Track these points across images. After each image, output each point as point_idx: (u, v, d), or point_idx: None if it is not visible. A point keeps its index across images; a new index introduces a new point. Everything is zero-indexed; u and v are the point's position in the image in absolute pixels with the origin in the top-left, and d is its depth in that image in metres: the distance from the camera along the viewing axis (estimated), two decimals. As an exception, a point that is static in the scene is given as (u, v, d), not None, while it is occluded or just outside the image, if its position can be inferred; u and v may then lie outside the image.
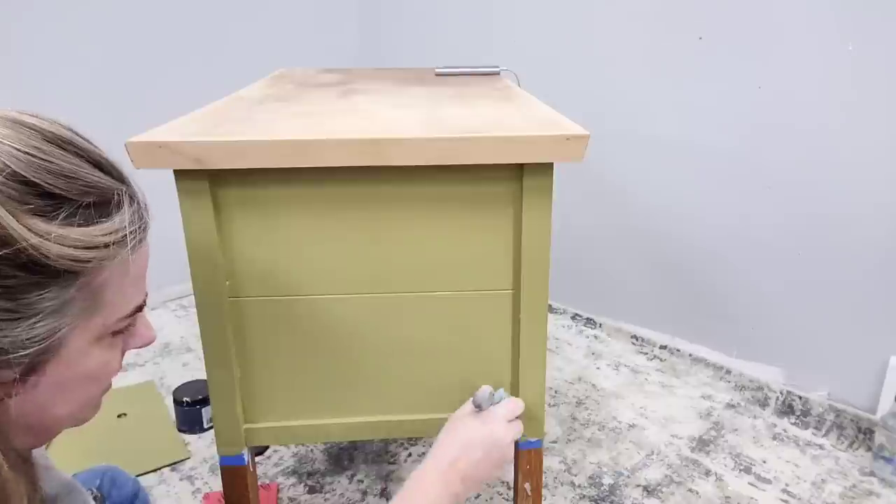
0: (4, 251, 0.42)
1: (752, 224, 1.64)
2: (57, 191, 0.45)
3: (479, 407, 0.82)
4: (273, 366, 0.88)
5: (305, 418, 0.91)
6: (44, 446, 0.57)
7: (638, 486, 1.38)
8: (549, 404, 1.67)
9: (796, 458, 1.46)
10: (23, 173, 0.44)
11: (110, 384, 0.56)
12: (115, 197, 0.49)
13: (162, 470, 1.42)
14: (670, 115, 1.73)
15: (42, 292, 0.44)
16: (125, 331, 0.54)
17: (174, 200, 0.77)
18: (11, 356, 0.44)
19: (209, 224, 0.80)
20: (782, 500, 1.34)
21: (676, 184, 1.76)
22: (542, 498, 1.14)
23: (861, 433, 1.50)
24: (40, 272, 0.44)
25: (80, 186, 0.47)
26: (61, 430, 0.53)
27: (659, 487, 1.37)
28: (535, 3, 1.94)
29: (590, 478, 1.41)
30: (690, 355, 1.83)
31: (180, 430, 1.54)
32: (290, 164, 0.76)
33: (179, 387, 1.58)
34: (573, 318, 2.09)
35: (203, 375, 1.45)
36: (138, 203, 0.52)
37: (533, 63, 1.73)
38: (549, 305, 1.40)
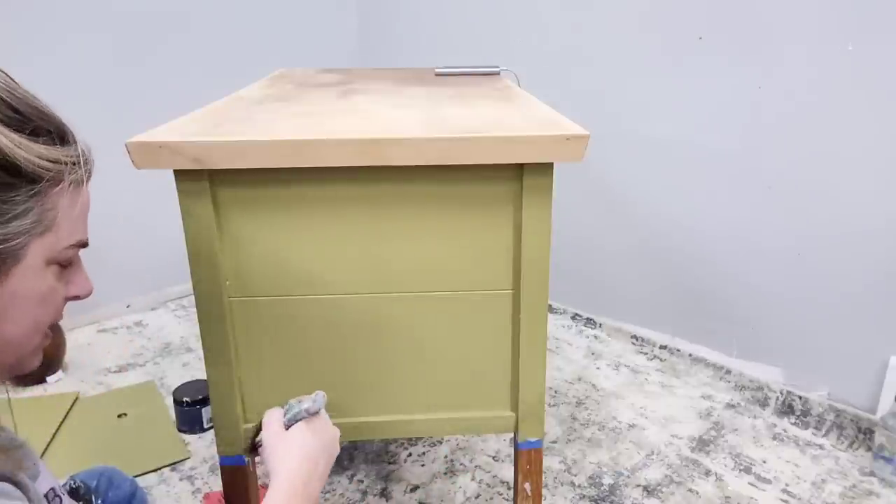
0: None
1: (752, 224, 1.64)
2: (26, 112, 0.52)
3: (308, 413, 0.79)
4: (273, 366, 0.88)
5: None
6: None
7: (638, 486, 1.38)
8: (549, 404, 1.67)
9: (796, 458, 1.46)
10: (4, 97, 0.51)
11: (57, 319, 0.60)
12: (69, 135, 0.56)
13: (162, 470, 1.42)
14: (670, 115, 1.73)
15: (10, 194, 0.50)
16: (67, 269, 0.58)
17: (174, 200, 0.77)
18: None
19: (209, 224, 0.80)
20: (782, 500, 1.34)
21: (676, 184, 1.76)
22: (542, 498, 1.14)
23: (861, 433, 1.50)
24: (11, 174, 0.50)
25: (43, 115, 0.54)
26: (6, 360, 0.56)
27: (659, 487, 1.37)
28: (535, 3, 1.94)
29: (590, 478, 1.41)
30: (690, 355, 1.83)
31: (180, 430, 1.54)
32: (290, 164, 0.76)
33: (179, 387, 1.58)
34: (573, 318, 2.09)
35: (203, 375, 1.45)
36: (86, 150, 0.58)
37: (533, 63, 1.73)
38: (549, 305, 1.40)
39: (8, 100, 0.51)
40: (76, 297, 0.61)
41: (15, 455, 0.60)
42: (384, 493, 1.36)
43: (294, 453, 0.75)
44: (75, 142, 0.57)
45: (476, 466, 1.44)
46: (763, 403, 1.65)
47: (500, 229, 0.84)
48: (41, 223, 0.53)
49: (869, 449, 1.47)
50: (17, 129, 0.51)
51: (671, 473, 1.42)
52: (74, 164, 0.55)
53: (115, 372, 1.80)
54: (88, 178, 0.58)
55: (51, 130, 0.54)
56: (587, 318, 2.07)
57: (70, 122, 0.58)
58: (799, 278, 1.59)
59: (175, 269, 2.11)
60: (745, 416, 1.62)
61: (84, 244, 0.59)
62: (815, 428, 1.56)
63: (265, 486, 1.37)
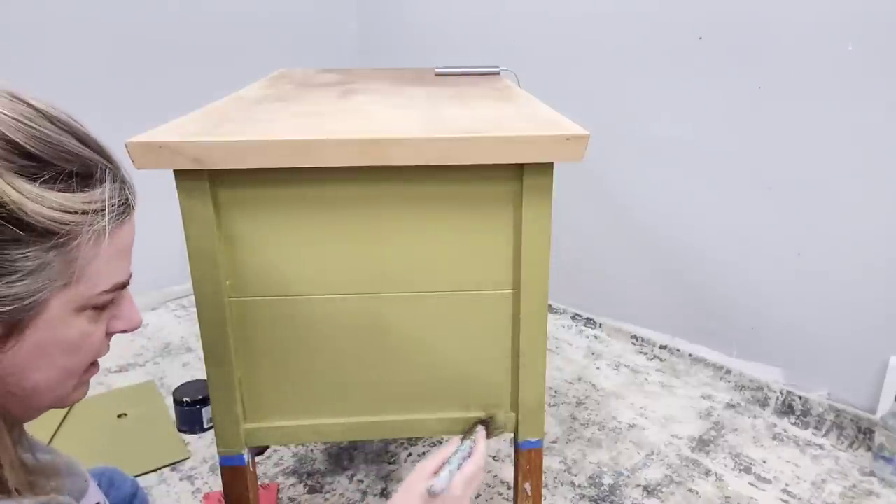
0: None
1: (752, 224, 1.64)
2: (41, 154, 0.48)
3: (434, 494, 0.77)
4: (273, 366, 0.88)
5: (305, 418, 0.91)
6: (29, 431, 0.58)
7: (638, 486, 1.38)
8: (549, 404, 1.67)
9: (796, 458, 1.46)
10: (10, 136, 0.46)
11: (96, 364, 0.57)
12: (98, 171, 0.51)
13: (162, 470, 1.42)
14: (670, 115, 1.73)
15: (22, 250, 0.47)
16: (108, 308, 0.55)
17: (174, 200, 0.77)
18: None
19: (209, 224, 0.80)
20: (782, 500, 1.34)
21: (676, 184, 1.76)
22: (542, 498, 1.14)
23: (861, 433, 1.50)
24: (20, 229, 0.46)
25: (63, 155, 0.49)
26: (43, 403, 0.54)
27: (659, 487, 1.37)
28: (535, 3, 1.94)
29: (590, 478, 1.41)
30: (690, 355, 1.83)
31: (180, 430, 1.54)
32: (290, 164, 0.76)
33: (179, 387, 1.58)
34: (573, 318, 2.09)
35: (203, 375, 1.45)
36: (122, 181, 0.54)
37: (533, 63, 1.73)
38: (549, 305, 1.40)
39: (23, 143, 0.47)
40: (123, 331, 0.58)
41: (74, 477, 0.60)
42: (384, 493, 1.35)
43: None
44: (106, 179, 0.52)
45: (476, 466, 1.44)
46: (763, 403, 1.65)
47: (500, 229, 0.84)
48: (62, 276, 0.49)
49: (869, 449, 1.47)
50: (31, 178, 0.47)
51: (671, 473, 1.42)
52: (98, 211, 0.50)
53: (115, 372, 1.80)
54: (131, 211, 0.54)
55: (73, 172, 0.49)
56: (587, 318, 2.07)
57: (106, 150, 0.53)
58: (799, 278, 1.59)
59: (175, 269, 2.11)
60: (745, 416, 1.62)
61: (124, 285, 0.55)
62: (815, 428, 1.56)
63: (265, 486, 1.38)
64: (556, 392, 1.73)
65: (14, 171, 0.46)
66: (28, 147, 0.47)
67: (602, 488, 1.37)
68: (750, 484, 1.38)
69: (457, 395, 0.92)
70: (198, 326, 0.85)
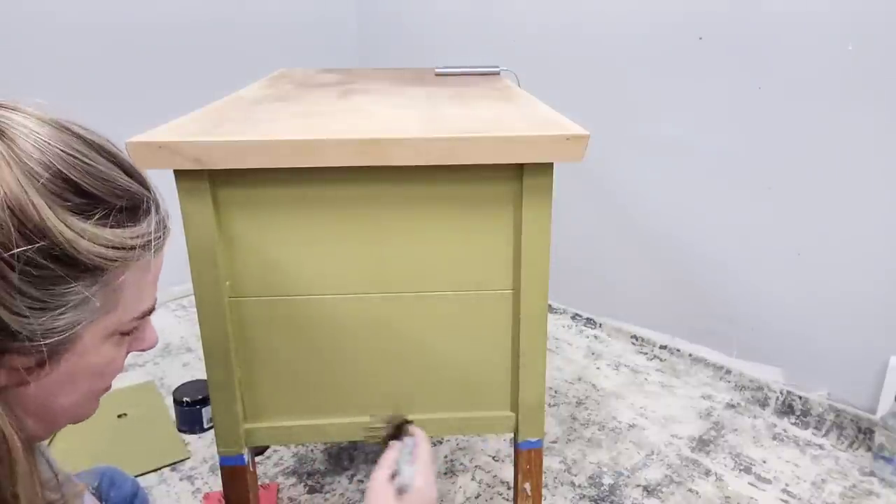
0: (41, 243, 0.45)
1: (752, 224, 1.64)
2: (94, 192, 0.48)
3: (404, 491, 0.76)
4: (273, 366, 0.88)
5: (305, 418, 0.91)
6: (46, 441, 0.58)
7: (638, 486, 1.38)
8: (549, 404, 1.67)
9: (796, 458, 1.46)
10: (66, 173, 0.47)
11: (111, 384, 0.59)
12: (144, 204, 0.52)
13: (162, 470, 1.42)
14: (670, 115, 1.73)
15: (69, 286, 0.47)
16: (132, 332, 0.56)
17: (174, 200, 0.77)
18: (32, 344, 0.47)
19: (209, 224, 0.80)
20: (782, 500, 1.34)
21: (676, 184, 1.76)
22: (542, 498, 1.14)
23: (861, 433, 1.50)
24: (70, 266, 0.47)
25: (114, 190, 0.49)
26: (63, 424, 0.55)
27: (659, 487, 1.37)
28: (535, 3, 1.94)
29: (590, 478, 1.41)
30: (690, 355, 1.83)
31: (180, 430, 1.54)
32: (290, 164, 0.76)
33: (179, 387, 1.58)
34: (573, 318, 2.09)
35: (203, 375, 1.45)
36: (162, 212, 0.55)
37: (533, 63, 1.73)
38: (549, 305, 1.40)
39: (77, 180, 0.47)
40: (141, 350, 0.60)
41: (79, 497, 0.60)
42: (384, 493, 1.35)
43: None
44: (150, 211, 0.53)
45: (476, 466, 1.44)
46: (763, 403, 1.65)
47: (500, 229, 0.84)
48: (101, 308, 0.50)
49: (869, 449, 1.47)
50: (85, 215, 0.47)
51: (671, 473, 1.42)
52: (143, 245, 0.51)
53: (115, 372, 1.79)
54: (166, 239, 0.55)
55: (123, 207, 0.50)
56: (587, 318, 2.07)
57: (147, 181, 0.54)
58: (799, 278, 1.58)
59: (175, 269, 2.10)
60: (745, 416, 1.62)
61: (151, 310, 0.57)
62: (815, 428, 1.56)
63: (265, 486, 1.38)
64: (556, 392, 1.73)
65: (68, 210, 0.46)
66: (83, 184, 0.47)
67: (602, 488, 1.37)
68: (750, 484, 1.38)
69: (457, 395, 0.92)
70: (198, 326, 0.85)
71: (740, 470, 1.42)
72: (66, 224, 0.46)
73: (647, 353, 1.91)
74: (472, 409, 0.94)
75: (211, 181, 0.78)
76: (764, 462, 1.45)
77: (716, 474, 1.41)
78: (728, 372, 1.74)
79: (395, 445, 0.80)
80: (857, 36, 1.39)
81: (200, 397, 1.52)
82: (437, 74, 1.48)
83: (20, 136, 0.46)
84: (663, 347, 1.89)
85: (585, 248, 2.02)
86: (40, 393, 0.50)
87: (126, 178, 0.51)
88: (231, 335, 0.85)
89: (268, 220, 0.82)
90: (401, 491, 0.74)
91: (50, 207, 0.45)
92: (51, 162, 0.46)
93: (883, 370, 1.48)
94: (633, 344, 1.95)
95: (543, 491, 1.34)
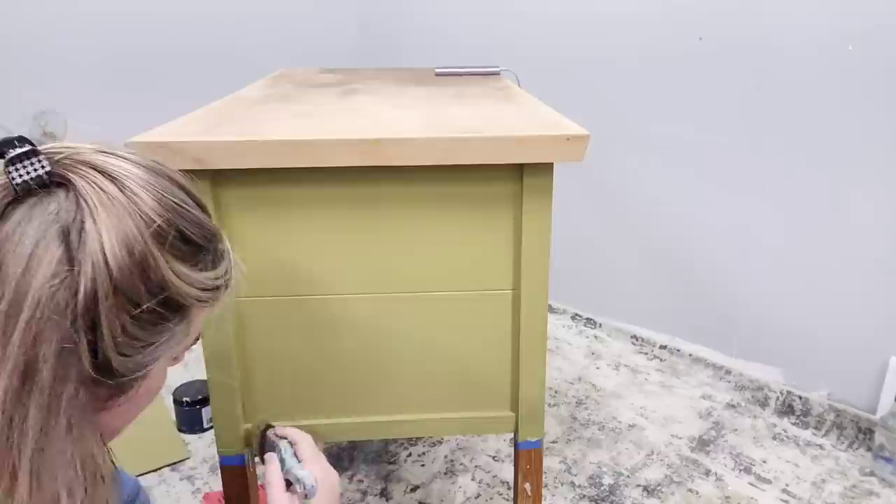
0: (162, 296, 0.48)
1: (752, 224, 1.64)
2: (196, 240, 0.51)
3: (312, 495, 0.75)
4: (273, 366, 0.88)
5: (306, 418, 0.91)
6: None
7: (638, 486, 1.38)
8: (549, 404, 1.67)
9: (796, 458, 1.46)
10: (178, 223, 0.49)
11: None
12: (223, 243, 0.56)
13: (162, 470, 1.42)
14: (670, 115, 1.73)
15: (166, 324, 0.50)
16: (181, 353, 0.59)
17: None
18: (124, 379, 0.49)
19: (209, 224, 0.80)
20: (782, 500, 1.34)
21: (676, 184, 1.76)
22: (542, 498, 1.14)
23: (861, 433, 1.50)
24: (173, 309, 0.50)
25: (206, 234, 0.53)
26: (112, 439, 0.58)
27: (659, 487, 1.37)
28: (535, 3, 1.94)
29: (590, 478, 1.41)
30: (690, 355, 1.83)
31: (180, 430, 1.54)
32: (290, 164, 0.76)
33: (179, 387, 1.58)
34: (573, 318, 2.09)
35: (203, 375, 1.45)
36: (229, 247, 0.58)
37: (533, 63, 1.73)
38: (549, 305, 1.40)
39: (184, 229, 0.50)
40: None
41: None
42: (384, 493, 1.35)
43: None
44: (227, 250, 0.56)
45: (476, 466, 1.44)
46: (763, 403, 1.65)
47: (500, 229, 0.84)
48: (180, 340, 0.53)
49: (869, 449, 1.47)
50: (191, 264, 0.50)
51: (671, 473, 1.42)
52: (225, 284, 0.55)
53: (115, 372, 1.79)
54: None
55: (212, 249, 0.53)
56: (587, 318, 2.07)
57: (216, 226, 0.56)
58: (799, 278, 1.58)
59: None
60: (745, 416, 1.62)
61: (199, 336, 0.59)
62: (815, 428, 1.56)
63: (265, 486, 1.37)
64: (556, 392, 1.73)
65: (178, 258, 0.49)
66: (188, 233, 0.50)
67: (602, 488, 1.37)
68: (750, 484, 1.38)
69: (457, 395, 0.92)
70: (198, 326, 0.85)
71: (740, 470, 1.42)
72: (177, 274, 0.49)
73: (647, 353, 1.91)
74: (472, 409, 0.94)
75: (211, 181, 0.78)
76: (764, 462, 1.45)
77: (716, 474, 1.41)
78: (728, 372, 1.74)
79: (272, 458, 0.78)
80: (857, 36, 1.39)
81: (200, 397, 1.52)
82: (437, 74, 1.48)
83: (135, 184, 0.47)
84: (663, 347, 1.89)
85: (585, 248, 2.01)
86: (112, 417, 0.53)
87: (206, 218, 0.54)
88: (231, 335, 0.85)
89: (268, 220, 0.82)
90: (307, 496, 0.73)
91: (167, 260, 0.48)
92: (167, 214, 0.48)
93: (883, 370, 1.48)
94: (633, 344, 1.95)
95: (543, 491, 1.34)
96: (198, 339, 0.58)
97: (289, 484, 0.75)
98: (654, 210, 1.83)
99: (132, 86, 2.02)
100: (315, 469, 0.75)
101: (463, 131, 0.78)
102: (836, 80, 1.43)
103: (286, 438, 0.81)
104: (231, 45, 2.23)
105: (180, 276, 0.49)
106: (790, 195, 1.56)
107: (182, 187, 0.52)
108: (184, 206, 0.50)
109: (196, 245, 0.51)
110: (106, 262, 0.45)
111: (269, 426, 0.86)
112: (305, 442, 0.80)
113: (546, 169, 0.81)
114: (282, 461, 0.77)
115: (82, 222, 0.45)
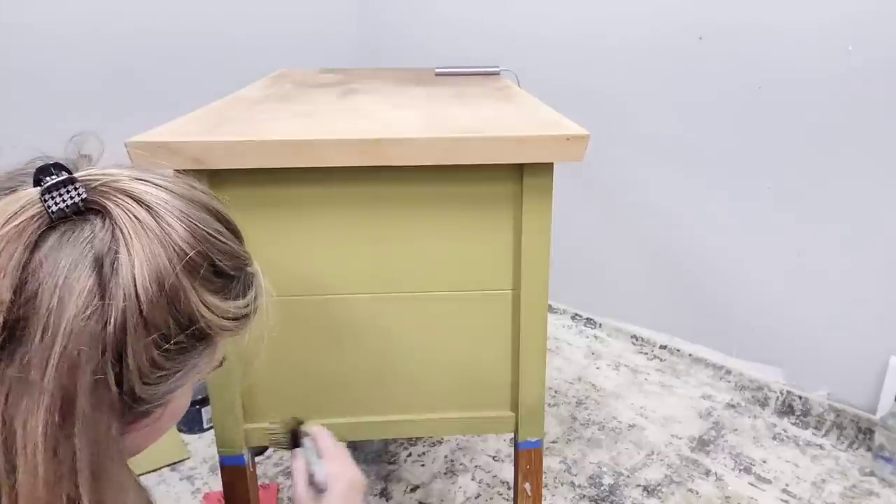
0: (191, 329, 0.47)
1: (752, 224, 1.64)
2: (229, 271, 0.51)
3: (322, 489, 0.76)
4: (273, 366, 0.88)
5: (306, 418, 0.91)
6: None
7: (638, 486, 1.38)
8: (549, 404, 1.67)
9: (796, 458, 1.46)
10: (213, 257, 0.49)
11: None
12: (252, 267, 0.55)
13: (162, 470, 1.42)
14: (670, 115, 1.73)
15: (191, 354, 0.49)
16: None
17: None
18: (148, 406, 0.49)
19: (209, 224, 0.80)
20: (782, 500, 1.34)
21: (676, 184, 1.76)
22: (542, 498, 1.14)
23: (861, 433, 1.50)
24: (199, 339, 0.49)
25: (238, 263, 0.52)
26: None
27: (659, 487, 1.37)
28: (535, 3, 1.94)
29: (590, 478, 1.41)
30: (690, 355, 1.83)
31: (180, 430, 1.54)
32: (290, 164, 0.76)
33: (179, 387, 1.58)
34: (573, 318, 2.09)
35: (203, 375, 1.45)
36: (258, 269, 0.57)
37: (533, 63, 1.73)
38: (549, 305, 1.40)
39: (217, 261, 0.49)
40: None
41: None
42: (384, 493, 1.35)
43: None
44: (255, 275, 0.55)
45: (476, 466, 1.44)
46: (763, 403, 1.65)
47: (500, 229, 0.84)
48: (205, 366, 0.53)
49: (869, 449, 1.47)
50: (221, 294, 0.50)
51: (671, 473, 1.42)
52: (253, 311, 0.54)
53: (115, 372, 1.79)
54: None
55: (242, 278, 0.53)
56: (587, 318, 2.07)
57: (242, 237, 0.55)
58: (799, 278, 1.58)
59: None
60: (745, 416, 1.62)
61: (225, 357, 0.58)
62: (815, 428, 1.56)
63: (265, 486, 1.38)
64: (556, 392, 1.73)
65: (211, 291, 0.49)
66: (221, 265, 0.49)
67: (602, 488, 1.37)
68: (750, 484, 1.38)
69: (457, 395, 0.92)
70: (198, 326, 0.85)
71: (740, 470, 1.42)
72: (207, 306, 0.48)
73: (647, 353, 1.90)
74: (472, 409, 0.94)
75: (210, 181, 0.78)
76: (764, 462, 1.45)
77: (716, 474, 1.41)
78: (728, 372, 1.74)
79: (297, 453, 0.79)
80: (857, 36, 1.39)
81: (200, 397, 1.52)
82: (437, 74, 1.48)
83: (170, 215, 0.46)
84: (663, 347, 1.89)
85: (585, 248, 2.01)
86: (133, 440, 0.52)
87: (240, 245, 0.53)
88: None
89: (267, 220, 0.82)
90: (319, 490, 0.74)
91: (198, 293, 0.47)
92: (199, 245, 0.47)
93: (883, 370, 1.48)
94: (633, 344, 1.95)
95: (543, 491, 1.34)
96: (222, 363, 0.58)
97: (313, 479, 0.77)
98: (653, 210, 1.83)
99: (132, 85, 2.02)
100: (334, 465, 0.76)
101: (463, 131, 0.78)
102: (836, 80, 1.43)
103: (310, 436, 0.82)
104: (231, 44, 2.23)
105: (210, 307, 0.48)
106: (790, 195, 1.56)
107: (217, 216, 0.51)
108: (217, 237, 0.50)
109: (227, 276, 0.51)
110: (136, 294, 0.44)
111: (299, 422, 0.86)
112: (327, 438, 0.80)
113: (546, 169, 0.81)
114: (307, 456, 0.79)
115: (116, 252, 0.44)
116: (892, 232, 1.42)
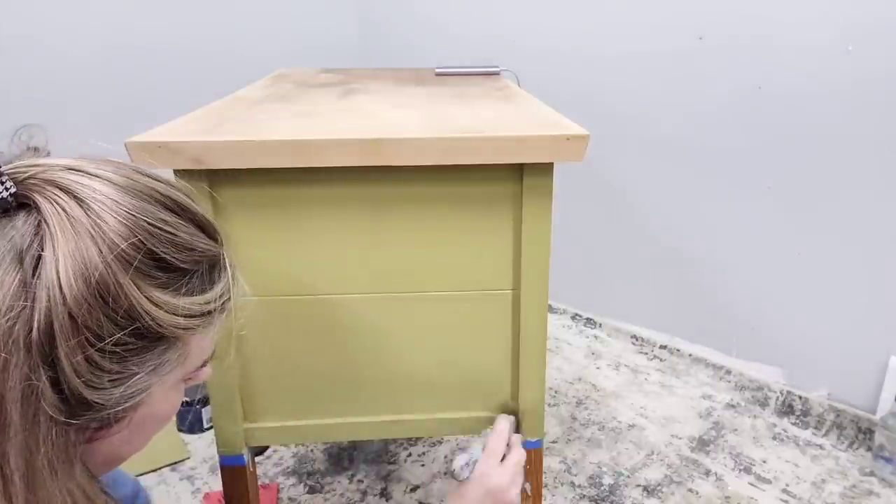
0: (131, 327, 0.44)
1: (752, 224, 1.64)
2: (179, 264, 0.47)
3: (457, 478, 0.80)
4: (273, 366, 0.88)
5: (305, 418, 0.91)
6: None
7: (638, 486, 1.38)
8: (549, 404, 1.67)
9: (796, 458, 1.46)
10: (154, 249, 0.45)
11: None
12: (219, 263, 0.51)
13: (162, 470, 1.42)
14: (670, 115, 1.73)
15: (146, 355, 0.46)
16: (193, 375, 0.56)
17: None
18: (108, 412, 0.46)
19: (209, 224, 0.80)
20: (782, 500, 1.34)
21: (676, 184, 1.76)
22: (542, 498, 1.14)
23: (861, 433, 1.50)
24: (151, 338, 0.46)
25: (196, 257, 0.48)
26: (122, 462, 0.56)
27: (659, 487, 1.37)
28: (535, 3, 1.94)
29: (590, 478, 1.41)
30: (690, 355, 1.83)
31: (180, 430, 1.54)
32: (290, 164, 0.76)
33: (179, 387, 1.58)
34: (573, 318, 2.09)
35: (203, 375, 1.45)
36: (231, 264, 0.54)
37: (533, 63, 1.73)
38: (549, 305, 1.40)
39: (163, 254, 0.45)
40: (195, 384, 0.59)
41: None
42: (384, 493, 1.35)
43: None
44: (224, 267, 0.51)
45: (476, 466, 1.44)
46: (763, 403, 1.65)
47: (500, 229, 0.84)
48: (174, 366, 0.49)
49: (869, 449, 1.47)
50: (171, 290, 0.46)
51: (671, 473, 1.42)
52: (220, 306, 0.51)
53: (115, 372, 1.79)
54: (233, 301, 0.54)
55: (202, 272, 0.49)
56: (587, 318, 2.07)
57: (216, 229, 0.51)
58: (799, 278, 1.58)
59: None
60: (745, 416, 1.62)
61: (212, 356, 0.56)
62: (815, 428, 1.56)
63: (265, 486, 1.38)
64: (556, 392, 1.73)
65: (157, 286, 0.45)
66: (169, 258, 0.46)
67: (602, 488, 1.37)
68: (750, 484, 1.38)
69: (457, 395, 0.92)
70: (198, 326, 0.85)
71: (740, 470, 1.42)
72: (152, 302, 0.45)
73: (647, 353, 1.91)
74: (472, 410, 0.94)
75: (211, 181, 0.78)
76: (764, 462, 1.45)
77: (716, 474, 1.41)
78: (728, 372, 1.74)
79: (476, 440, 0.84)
80: (857, 36, 1.39)
81: (200, 397, 1.52)
82: (438, 74, 1.48)
83: (101, 206, 0.43)
84: (663, 347, 1.89)
85: (585, 248, 2.01)
86: (111, 445, 0.50)
87: (204, 238, 0.49)
88: (231, 335, 0.85)
89: (267, 220, 0.82)
90: (457, 476, 0.79)
91: (139, 288, 0.44)
92: (141, 240, 0.44)
93: (883, 370, 1.48)
94: (633, 344, 1.95)
95: (543, 491, 1.34)
96: (207, 362, 0.55)
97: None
98: (654, 210, 1.83)
99: (132, 85, 2.02)
100: (486, 466, 0.80)
101: (463, 131, 0.78)
102: (836, 80, 1.43)
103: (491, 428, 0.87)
104: (231, 45, 2.23)
105: (157, 303, 0.45)
106: (790, 195, 1.56)
107: (169, 206, 0.47)
108: (163, 228, 0.46)
109: (179, 270, 0.47)
110: (61, 293, 0.41)
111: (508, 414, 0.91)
112: (500, 437, 0.84)
113: (546, 169, 0.81)
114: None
115: (40, 249, 0.41)
116: (892, 232, 1.42)
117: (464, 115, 0.92)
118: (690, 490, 1.37)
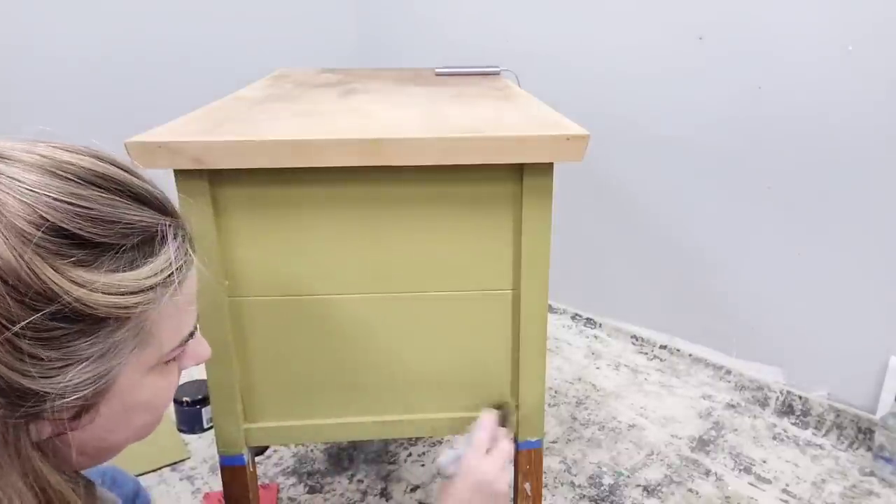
0: (49, 308, 0.41)
1: (752, 224, 1.64)
2: (99, 238, 0.44)
3: (443, 474, 0.79)
4: (273, 366, 0.88)
5: (306, 418, 0.91)
6: None
7: (638, 486, 1.38)
8: (549, 404, 1.67)
9: (796, 458, 1.46)
10: (62, 225, 0.42)
11: (167, 404, 0.56)
12: (159, 233, 0.48)
13: (162, 470, 1.42)
14: (670, 115, 1.73)
15: (88, 339, 0.44)
16: (178, 356, 0.54)
17: (173, 201, 0.77)
18: (63, 401, 0.44)
19: (209, 224, 0.80)
20: (782, 500, 1.34)
21: (676, 184, 1.76)
22: (542, 498, 1.14)
23: (861, 433, 1.50)
24: (85, 321, 0.43)
25: (121, 230, 0.45)
26: (122, 449, 0.54)
27: (659, 487, 1.37)
28: (535, 3, 1.94)
29: (590, 478, 1.41)
30: (690, 355, 1.83)
31: (180, 430, 1.54)
32: (290, 164, 0.76)
33: (179, 387, 1.57)
34: (573, 318, 2.09)
35: (203, 375, 1.45)
36: (182, 234, 0.50)
37: (533, 63, 1.73)
38: (549, 305, 1.40)
39: (75, 230, 0.43)
40: (194, 365, 0.57)
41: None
42: (384, 493, 1.35)
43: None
44: (167, 238, 0.48)
45: (476, 466, 1.44)
46: (763, 403, 1.65)
47: (500, 229, 0.84)
48: (133, 348, 0.47)
49: (869, 449, 1.47)
50: (92, 266, 0.43)
51: (671, 473, 1.42)
52: (165, 280, 0.47)
53: (115, 372, 1.79)
54: (192, 259, 0.51)
55: (135, 245, 0.46)
56: (587, 318, 2.07)
57: (164, 202, 0.48)
58: (799, 278, 1.58)
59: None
60: (745, 416, 1.62)
61: (192, 334, 0.53)
62: (815, 428, 1.56)
63: (265, 486, 1.38)
64: (556, 392, 1.73)
65: (73, 264, 0.42)
66: (84, 233, 0.43)
67: (602, 488, 1.37)
68: (750, 484, 1.38)
69: (457, 395, 0.92)
70: (198, 326, 0.85)
71: (740, 470, 1.42)
72: (72, 281, 0.42)
73: (647, 353, 1.91)
74: (473, 410, 0.94)
75: (210, 181, 0.78)
76: (764, 462, 1.45)
77: (716, 474, 1.41)
78: (728, 372, 1.74)
79: (461, 436, 0.84)
80: (857, 36, 1.39)
81: (200, 397, 1.52)
82: (437, 74, 1.48)
83: (4, 188, 0.42)
84: (663, 347, 1.89)
85: (585, 248, 2.02)
86: (91, 435, 0.48)
87: (134, 206, 0.46)
88: (231, 335, 0.85)
89: (267, 220, 0.82)
90: (445, 473, 0.79)
91: (52, 267, 0.41)
92: (42, 216, 0.42)
93: (883, 370, 1.48)
94: (633, 344, 1.95)
95: (543, 491, 1.34)
96: (188, 339, 0.53)
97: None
98: (654, 210, 1.83)
99: (132, 86, 2.02)
100: (472, 459, 0.79)
101: (463, 131, 0.78)
102: (836, 80, 1.43)
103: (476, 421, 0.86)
104: (231, 45, 2.23)
105: (77, 282, 0.42)
106: (790, 195, 1.56)
107: (88, 180, 0.45)
108: (73, 202, 0.43)
109: (102, 245, 0.44)
110: None
111: (503, 406, 0.90)
112: (485, 431, 0.83)
113: (546, 169, 0.81)
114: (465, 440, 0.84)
115: None
116: (892, 232, 1.42)
117: (464, 115, 0.92)
118: (690, 490, 1.37)
